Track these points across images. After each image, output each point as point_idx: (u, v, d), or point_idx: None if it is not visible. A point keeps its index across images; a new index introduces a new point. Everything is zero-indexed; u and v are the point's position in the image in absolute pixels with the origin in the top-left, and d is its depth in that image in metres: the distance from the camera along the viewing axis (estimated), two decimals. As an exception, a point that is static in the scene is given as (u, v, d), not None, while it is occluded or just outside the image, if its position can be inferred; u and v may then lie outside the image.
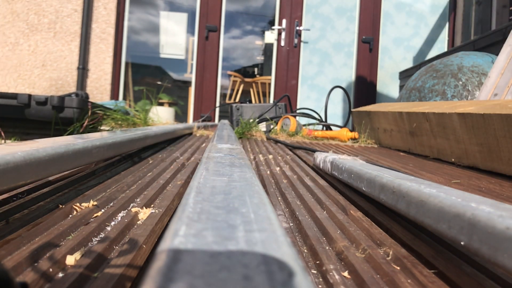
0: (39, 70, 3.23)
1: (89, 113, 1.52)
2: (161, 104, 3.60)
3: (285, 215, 0.48)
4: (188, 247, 0.14)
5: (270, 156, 1.00)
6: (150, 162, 0.76)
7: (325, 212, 0.48)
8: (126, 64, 3.54)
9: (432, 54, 3.49)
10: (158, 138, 0.99)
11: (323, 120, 2.30)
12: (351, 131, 1.90)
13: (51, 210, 0.39)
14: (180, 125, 1.45)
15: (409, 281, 0.29)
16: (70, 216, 0.38)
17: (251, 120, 1.76)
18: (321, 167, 0.74)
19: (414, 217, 0.34)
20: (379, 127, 1.66)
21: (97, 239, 0.33)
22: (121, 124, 1.71)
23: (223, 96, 3.84)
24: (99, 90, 3.33)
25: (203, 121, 2.84)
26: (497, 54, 1.57)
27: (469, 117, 1.00)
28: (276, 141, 1.48)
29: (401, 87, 3.08)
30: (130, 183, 0.54)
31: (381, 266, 0.31)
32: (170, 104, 3.65)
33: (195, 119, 3.50)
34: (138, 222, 0.39)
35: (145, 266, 0.30)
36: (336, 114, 3.50)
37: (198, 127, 1.70)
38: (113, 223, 0.37)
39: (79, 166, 0.52)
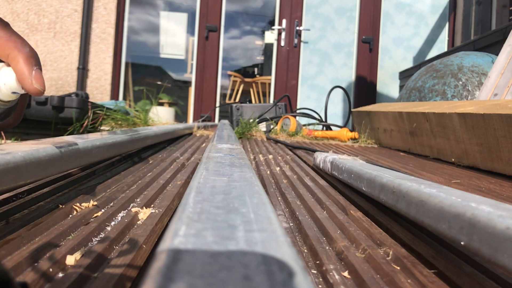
0: (39, 70, 3.22)
1: (89, 113, 1.52)
2: (161, 104, 3.60)
3: (285, 215, 0.48)
4: (188, 247, 0.14)
5: (270, 156, 1.00)
6: (150, 162, 0.76)
7: (325, 212, 0.48)
8: (126, 64, 3.54)
9: (432, 54, 3.49)
10: (158, 138, 0.99)
11: (323, 120, 2.30)
12: (351, 131, 1.90)
13: (51, 210, 0.39)
14: (180, 125, 1.45)
15: (409, 281, 0.29)
16: (70, 216, 0.38)
17: (251, 120, 1.76)
18: (321, 167, 0.74)
19: (414, 217, 0.34)
20: (379, 127, 1.66)
21: (97, 239, 0.33)
22: (121, 124, 1.71)
23: (223, 96, 3.84)
24: (99, 90, 3.33)
25: (203, 121, 2.84)
26: (497, 54, 1.57)
27: (469, 117, 1.00)
28: (276, 141, 1.48)
29: (401, 87, 3.08)
30: (130, 183, 0.54)
31: (381, 266, 0.31)
32: (170, 104, 3.65)
33: (195, 119, 3.50)
34: (138, 222, 0.39)
35: (145, 266, 0.30)
36: (336, 114, 3.50)
37: (198, 127, 1.70)
38: (113, 223, 0.37)
39: (79, 166, 0.52)
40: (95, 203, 0.42)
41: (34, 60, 0.28)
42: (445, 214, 0.28)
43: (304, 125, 2.19)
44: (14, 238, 0.30)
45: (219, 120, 3.28)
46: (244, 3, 3.83)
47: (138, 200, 0.46)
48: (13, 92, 0.29)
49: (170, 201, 0.47)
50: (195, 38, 3.53)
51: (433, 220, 0.30)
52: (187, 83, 3.77)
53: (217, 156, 0.42)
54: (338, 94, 3.44)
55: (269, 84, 3.65)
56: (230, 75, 3.86)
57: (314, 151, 1.06)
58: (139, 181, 0.56)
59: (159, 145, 1.03)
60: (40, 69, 0.28)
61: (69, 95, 1.83)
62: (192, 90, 3.54)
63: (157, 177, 0.61)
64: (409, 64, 3.53)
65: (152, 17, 3.82)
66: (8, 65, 0.29)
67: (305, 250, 0.36)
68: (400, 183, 0.38)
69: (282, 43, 3.53)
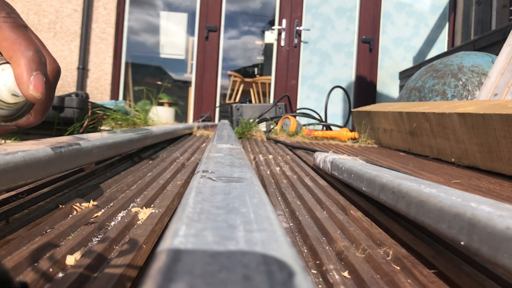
0: (39, 70, 3.22)
1: (89, 113, 1.52)
2: (161, 104, 3.60)
3: (285, 215, 0.48)
4: (188, 247, 0.14)
5: (270, 156, 1.00)
6: (150, 162, 0.76)
7: (325, 212, 0.48)
8: (126, 64, 3.54)
9: (432, 54, 3.49)
10: (158, 138, 0.99)
11: (323, 120, 2.30)
12: (351, 131, 1.90)
13: (51, 210, 0.39)
14: (180, 125, 1.45)
15: (409, 281, 0.29)
16: (70, 216, 0.38)
17: (251, 120, 1.76)
18: (321, 167, 0.74)
19: (414, 217, 0.34)
20: (379, 127, 1.66)
21: (97, 239, 0.33)
22: (121, 124, 1.71)
23: (223, 96, 3.84)
24: (99, 90, 3.33)
25: (203, 121, 2.83)
26: (497, 54, 1.57)
27: (469, 117, 1.00)
28: (276, 141, 1.48)
29: (401, 87, 3.08)
30: (130, 183, 0.54)
31: (381, 266, 0.31)
32: (170, 104, 3.65)
33: (195, 119, 3.50)
34: (138, 222, 0.39)
35: (145, 266, 0.30)
36: (336, 114, 3.50)
37: (198, 127, 1.70)
38: (113, 223, 0.37)
39: (79, 166, 0.52)
40: (95, 203, 0.42)
41: (36, 64, 0.27)
42: (445, 214, 0.28)
43: (304, 125, 2.19)
44: (14, 238, 0.30)
45: (219, 120, 3.28)
46: (244, 3, 3.83)
47: (138, 200, 0.46)
48: (14, 95, 0.28)
49: (170, 201, 0.47)
50: (195, 38, 3.53)
51: (433, 220, 0.30)
52: (187, 83, 3.77)
53: (217, 156, 0.42)
54: (338, 94, 3.43)
55: (269, 84, 3.65)
56: (230, 75, 3.85)
57: (314, 151, 1.06)
58: (139, 181, 0.56)
59: (159, 145, 1.03)
60: (43, 74, 0.27)
61: (69, 95, 1.83)
62: (192, 90, 3.54)
63: (157, 177, 0.61)
64: (409, 64, 3.53)
65: (152, 17, 3.82)
66: None
67: (305, 250, 0.36)
68: (400, 183, 0.38)
69: (282, 43, 3.53)
